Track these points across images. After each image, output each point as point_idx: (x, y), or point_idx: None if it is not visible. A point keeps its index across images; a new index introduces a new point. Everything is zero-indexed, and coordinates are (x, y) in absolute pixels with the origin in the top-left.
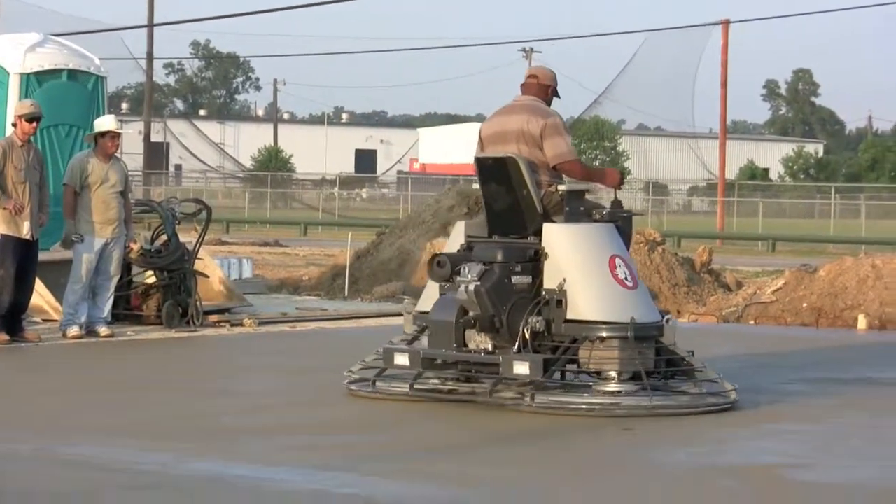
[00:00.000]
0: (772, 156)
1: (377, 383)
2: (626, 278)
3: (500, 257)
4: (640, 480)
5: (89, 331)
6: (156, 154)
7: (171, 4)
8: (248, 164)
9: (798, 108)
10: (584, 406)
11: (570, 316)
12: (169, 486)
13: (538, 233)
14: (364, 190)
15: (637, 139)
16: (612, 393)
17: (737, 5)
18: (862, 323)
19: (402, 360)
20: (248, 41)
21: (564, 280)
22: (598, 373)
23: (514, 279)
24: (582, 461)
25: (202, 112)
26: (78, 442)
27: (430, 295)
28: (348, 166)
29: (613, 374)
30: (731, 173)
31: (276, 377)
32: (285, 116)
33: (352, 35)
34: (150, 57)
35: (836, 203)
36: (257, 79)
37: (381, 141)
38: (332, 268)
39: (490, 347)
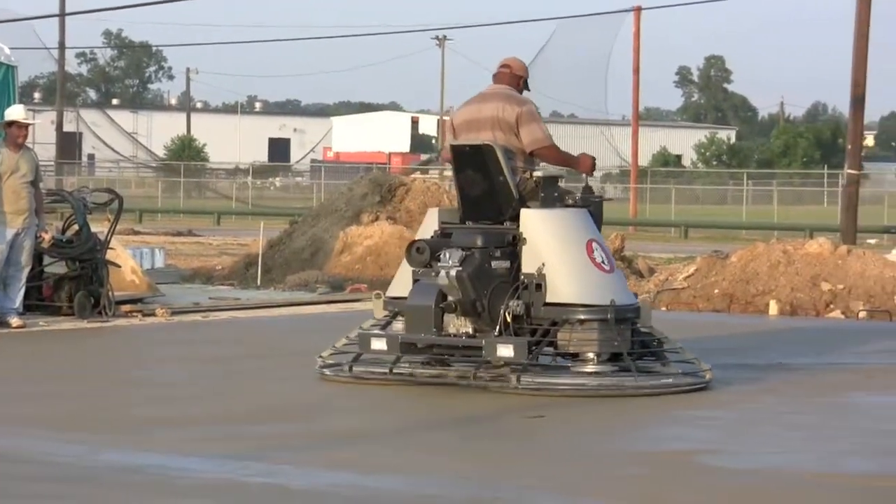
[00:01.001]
0: (684, 142)
1: (354, 368)
2: (603, 262)
3: (479, 243)
4: (547, 466)
5: (1, 322)
6: (68, 144)
7: None
8: (162, 153)
9: (710, 95)
10: (569, 386)
11: (549, 299)
12: (81, 476)
13: (514, 218)
14: (278, 179)
15: (551, 126)
16: (593, 374)
17: None
18: (773, 308)
19: (379, 344)
20: (160, 30)
21: (543, 264)
22: (576, 355)
23: (494, 264)
24: (485, 446)
25: (115, 101)
26: None
27: (402, 280)
28: (262, 155)
29: (591, 355)
30: (644, 160)
31: (189, 367)
32: (198, 105)
33: (265, 23)
34: (61, 46)
35: (748, 189)
36: (170, 68)
37: (295, 130)
38: (245, 257)
39: (471, 331)
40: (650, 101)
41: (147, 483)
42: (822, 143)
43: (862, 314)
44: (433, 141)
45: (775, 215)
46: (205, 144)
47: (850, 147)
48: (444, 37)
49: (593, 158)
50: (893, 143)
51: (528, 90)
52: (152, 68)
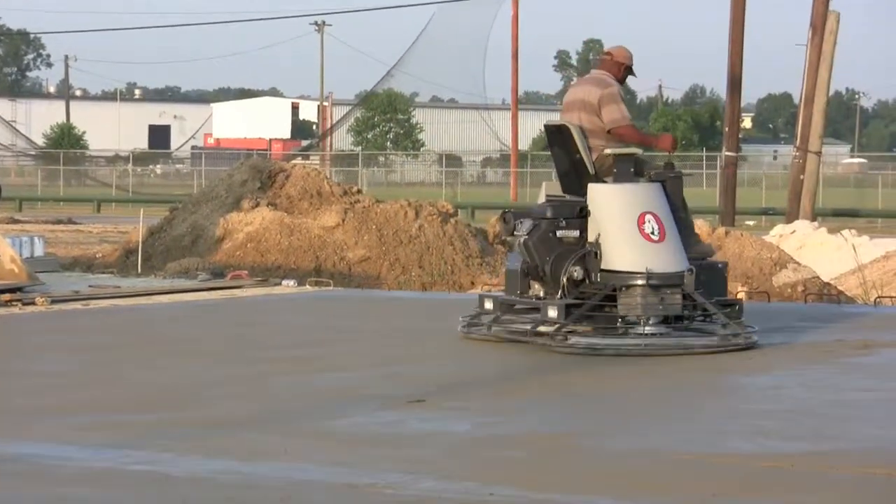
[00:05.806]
0: None
1: (470, 327)
2: (652, 233)
3: (548, 214)
4: (419, 450)
5: None
6: None
7: None
8: (41, 141)
9: None
10: (611, 347)
11: (604, 266)
12: None
13: None
14: (158, 166)
15: (430, 111)
16: (641, 335)
17: None
18: None
19: (488, 304)
20: (38, 17)
21: (599, 234)
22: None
23: (560, 233)
24: (368, 431)
25: None
26: None
27: None
28: (142, 142)
29: (641, 318)
30: (525, 144)
31: (69, 356)
32: (77, 93)
33: (144, 10)
34: None
35: None
36: (48, 55)
37: (175, 116)
38: (125, 244)
39: (542, 294)
40: (529, 85)
41: (25, 472)
42: (701, 126)
43: (740, 295)
44: (314, 127)
45: None
46: (84, 132)
47: (727, 129)
48: (324, 22)
49: (674, 137)
50: (771, 125)
51: (634, 75)
52: (30, 56)
